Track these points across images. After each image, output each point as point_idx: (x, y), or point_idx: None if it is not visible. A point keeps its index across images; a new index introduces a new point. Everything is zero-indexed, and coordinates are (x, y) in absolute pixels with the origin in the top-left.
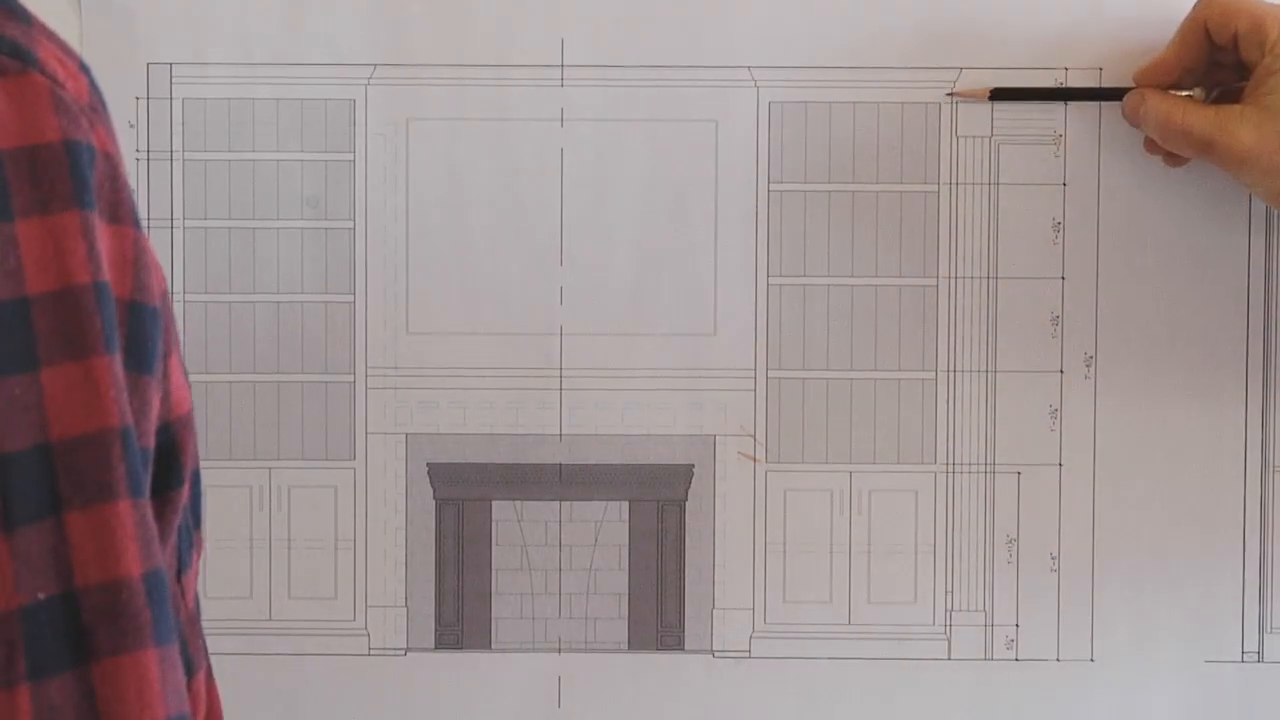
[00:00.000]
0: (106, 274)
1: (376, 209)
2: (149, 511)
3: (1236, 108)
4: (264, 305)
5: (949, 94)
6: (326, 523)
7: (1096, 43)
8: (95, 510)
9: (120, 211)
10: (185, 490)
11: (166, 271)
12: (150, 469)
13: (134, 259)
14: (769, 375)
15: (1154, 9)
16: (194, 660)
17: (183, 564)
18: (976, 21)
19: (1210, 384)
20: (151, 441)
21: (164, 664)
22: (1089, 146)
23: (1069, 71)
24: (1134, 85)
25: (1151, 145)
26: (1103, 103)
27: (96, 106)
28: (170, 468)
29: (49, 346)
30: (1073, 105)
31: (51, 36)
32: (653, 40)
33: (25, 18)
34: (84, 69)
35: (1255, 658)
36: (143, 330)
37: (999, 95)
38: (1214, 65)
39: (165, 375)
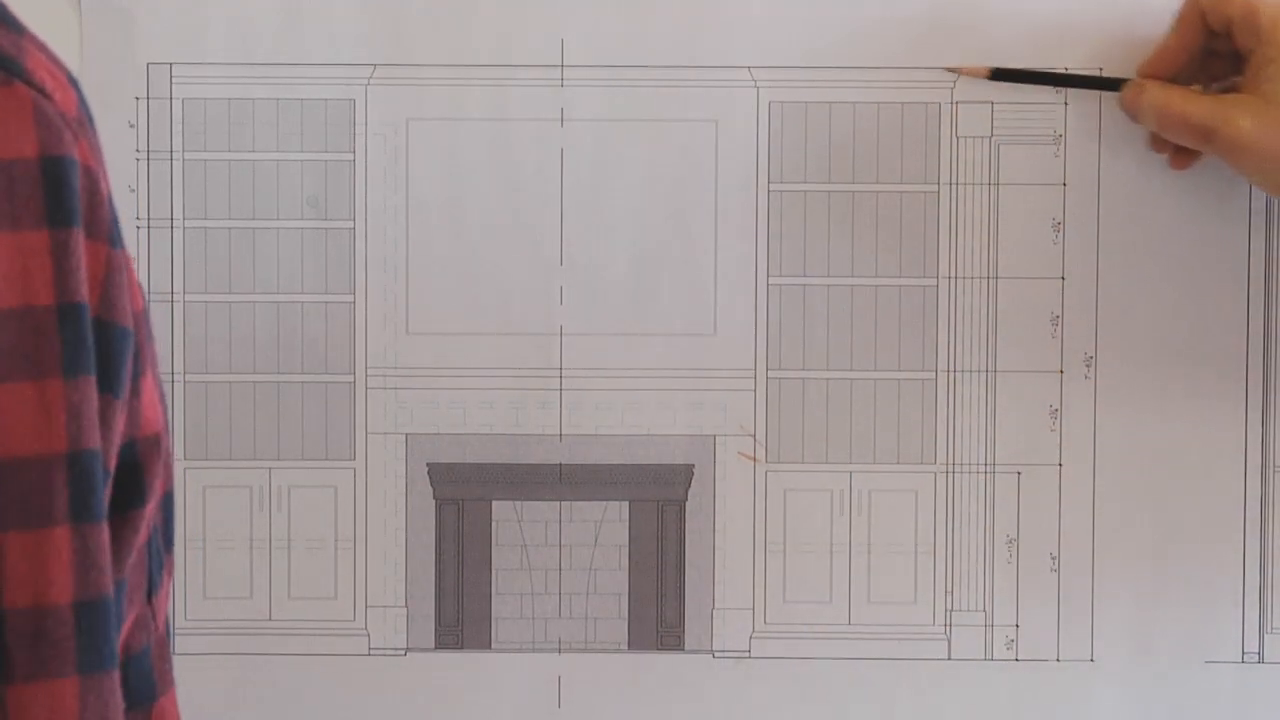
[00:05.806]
0: (84, 295)
1: (376, 209)
2: (99, 537)
3: (1235, 96)
4: (264, 305)
5: (949, 69)
6: (326, 523)
7: (1096, 42)
8: (32, 534)
9: (97, 228)
10: (149, 510)
11: (166, 271)
12: (108, 490)
13: (104, 277)
14: (769, 375)
15: (1153, 8)
16: (160, 683)
17: (152, 585)
18: (976, 21)
19: (1210, 384)
20: (112, 462)
21: (88, 693)
22: (1089, 146)
23: (1068, 71)
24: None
25: (1156, 142)
26: (1103, 96)
27: (83, 120)
28: (132, 486)
29: (3, 363)
30: (1073, 105)
31: (43, 47)
32: (653, 40)
33: (17, 27)
34: (73, 83)
35: (1255, 658)
36: (109, 349)
37: (1000, 75)
38: (1211, 55)
39: (136, 394)
